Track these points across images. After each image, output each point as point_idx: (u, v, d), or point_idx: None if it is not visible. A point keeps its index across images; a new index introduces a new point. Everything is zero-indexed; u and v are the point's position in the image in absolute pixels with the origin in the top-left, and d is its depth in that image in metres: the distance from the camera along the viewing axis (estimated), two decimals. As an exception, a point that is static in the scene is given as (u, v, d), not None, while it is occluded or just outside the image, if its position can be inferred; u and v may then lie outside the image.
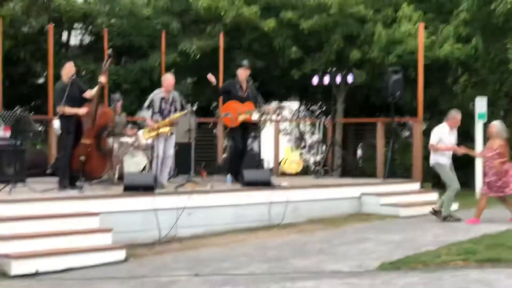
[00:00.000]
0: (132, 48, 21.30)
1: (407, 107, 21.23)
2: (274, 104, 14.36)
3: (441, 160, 13.27)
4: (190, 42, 19.40)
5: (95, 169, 12.78)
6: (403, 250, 10.28)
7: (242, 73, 14.29)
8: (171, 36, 19.95)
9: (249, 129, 14.62)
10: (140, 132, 13.27)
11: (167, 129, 12.94)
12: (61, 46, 23.28)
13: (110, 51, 12.77)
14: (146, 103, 13.10)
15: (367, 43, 18.79)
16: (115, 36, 20.46)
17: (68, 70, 12.11)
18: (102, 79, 12.30)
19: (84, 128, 12.38)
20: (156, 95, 13.08)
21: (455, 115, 13.44)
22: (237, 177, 14.09)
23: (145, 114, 13.11)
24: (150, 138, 13.03)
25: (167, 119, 12.92)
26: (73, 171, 12.39)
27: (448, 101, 19.78)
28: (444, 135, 13.27)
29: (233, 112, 14.10)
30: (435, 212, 13.33)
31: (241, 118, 14.07)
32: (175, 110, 13.13)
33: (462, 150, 13.37)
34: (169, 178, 14.28)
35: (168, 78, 13.21)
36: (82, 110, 12.15)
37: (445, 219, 13.19)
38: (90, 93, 12.22)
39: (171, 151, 13.25)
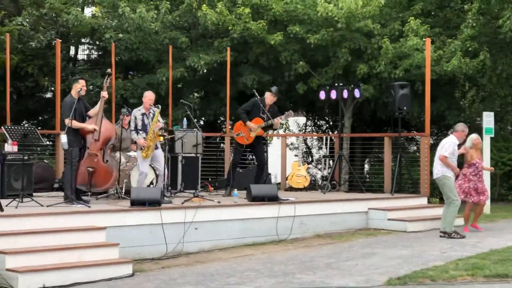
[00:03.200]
0: (139, 62, 21.35)
1: (414, 122, 21.26)
2: (282, 117, 14.34)
3: (448, 172, 13.21)
4: (198, 57, 19.43)
5: (101, 181, 12.79)
6: (410, 265, 10.26)
7: (269, 98, 14.57)
8: (179, 50, 20.00)
9: (260, 144, 14.66)
10: (138, 153, 13.26)
11: (160, 138, 13.08)
12: (69, 61, 23.39)
13: (108, 70, 12.85)
14: (132, 125, 13.21)
15: (374, 57, 18.79)
16: (122, 51, 20.52)
17: (80, 86, 12.14)
18: (104, 94, 12.35)
19: (89, 141, 12.42)
20: (137, 113, 13.22)
21: (464, 128, 13.44)
22: (230, 189, 14.46)
23: (134, 136, 13.22)
24: (148, 156, 13.06)
25: (149, 132, 13.00)
26: (80, 185, 12.42)
27: (455, 116, 19.76)
28: (455, 149, 13.24)
29: (245, 131, 14.23)
30: (445, 234, 13.28)
31: (253, 134, 14.27)
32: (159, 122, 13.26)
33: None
34: (176, 193, 14.31)
35: (147, 95, 13.39)
36: (90, 126, 12.21)
37: (450, 235, 13.13)
38: (93, 110, 12.27)
39: (161, 167, 13.28)
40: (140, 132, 13.10)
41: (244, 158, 17.23)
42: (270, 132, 16.40)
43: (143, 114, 13.21)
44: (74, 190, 12.15)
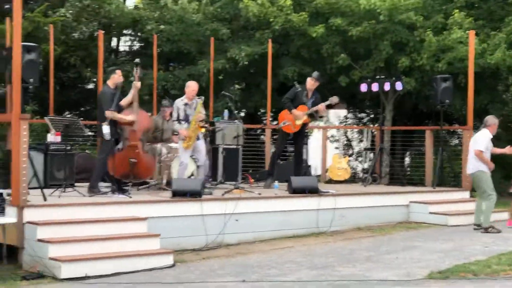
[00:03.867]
0: (180, 54, 21.40)
1: (456, 115, 21.06)
2: (327, 102, 14.27)
3: (484, 167, 13.10)
4: (239, 49, 19.44)
5: (144, 171, 12.92)
6: (451, 259, 10.20)
7: (310, 82, 14.51)
8: (220, 42, 20.02)
9: (302, 136, 14.66)
10: (180, 144, 13.29)
11: (201, 129, 13.11)
12: (111, 52, 23.51)
13: (137, 60, 12.86)
14: (174, 115, 13.20)
15: (416, 50, 18.65)
16: (164, 42, 20.58)
17: (118, 77, 12.24)
18: (138, 84, 12.39)
19: (127, 133, 12.51)
20: (179, 103, 13.20)
21: (495, 121, 13.33)
22: (271, 180, 14.58)
23: (176, 126, 13.21)
24: (189, 147, 13.06)
25: (192, 123, 13.00)
26: (121, 176, 12.52)
27: (498, 109, 19.54)
28: (490, 143, 13.13)
29: (290, 119, 14.22)
30: (478, 227, 13.20)
31: (299, 122, 14.25)
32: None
33: (509, 151, 13.40)
34: (216, 184, 14.35)
35: (191, 85, 13.32)
36: (129, 117, 12.30)
37: (486, 230, 13.03)
38: (125, 100, 12.32)
39: (202, 158, 13.30)
40: (182, 122, 13.13)
41: (285, 150, 17.20)
42: (315, 121, 16.37)
43: (185, 105, 13.22)
44: (116, 181, 12.27)
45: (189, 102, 13.21)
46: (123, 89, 12.54)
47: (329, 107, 15.03)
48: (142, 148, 12.85)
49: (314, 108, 14.24)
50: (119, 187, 12.24)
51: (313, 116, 14.65)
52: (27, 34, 18.04)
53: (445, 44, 18.03)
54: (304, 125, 14.50)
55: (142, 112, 13.01)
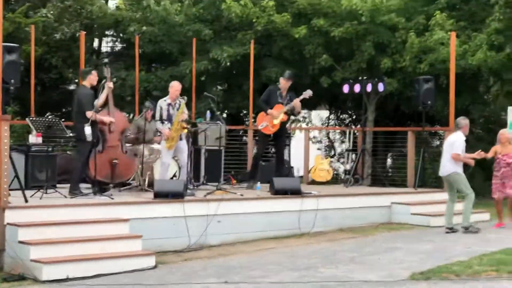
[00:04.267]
0: (163, 55, 21.37)
1: (438, 116, 21.12)
2: (300, 97, 14.29)
3: (460, 169, 13.18)
4: (221, 49, 19.42)
5: (124, 171, 12.99)
6: (434, 260, 10.21)
7: (282, 82, 14.51)
8: (202, 43, 19.99)
9: (283, 137, 14.68)
10: (162, 144, 13.31)
11: (184, 130, 13.10)
12: (92, 53, 23.42)
13: (105, 60, 12.87)
14: (157, 115, 13.22)
15: (398, 51, 18.70)
16: (146, 43, 20.53)
17: (94, 78, 12.22)
18: (110, 84, 12.37)
19: (106, 134, 12.51)
20: (163, 103, 13.24)
21: (466, 121, 13.43)
22: (253, 181, 14.49)
23: (159, 126, 13.25)
24: (172, 147, 13.08)
25: (174, 123, 13.00)
26: (103, 177, 12.50)
27: (479, 110, 19.66)
28: (464, 144, 13.23)
29: (268, 120, 14.22)
30: (451, 230, 13.25)
31: (277, 121, 14.23)
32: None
33: (478, 155, 13.56)
34: (199, 186, 14.33)
35: (174, 85, 13.39)
36: (107, 118, 12.31)
37: (467, 229, 13.09)
38: (99, 102, 12.25)
39: (185, 159, 13.30)
40: (165, 122, 13.12)
41: (267, 152, 17.22)
42: (294, 117, 16.39)
43: (168, 105, 13.23)
44: (97, 182, 12.23)
45: (172, 102, 13.22)
46: (96, 90, 12.49)
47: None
48: (121, 149, 12.87)
49: (290, 105, 14.24)
50: (100, 188, 12.20)
51: (291, 114, 14.65)
52: (8, 34, 17.94)
53: (426, 46, 18.10)
54: (283, 125, 14.46)
55: (118, 112, 13.06)
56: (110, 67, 13.14)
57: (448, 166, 13.16)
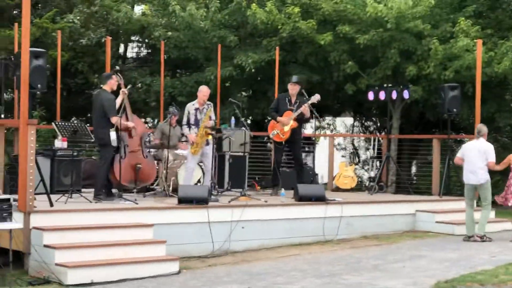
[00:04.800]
0: (188, 60, 21.43)
1: (463, 124, 21.02)
2: (308, 102, 14.26)
3: (489, 177, 13.17)
4: (246, 56, 19.44)
5: (147, 176, 13.06)
6: (458, 269, 10.16)
7: (290, 88, 14.59)
8: (227, 49, 20.02)
9: (297, 142, 14.65)
10: (189, 147, 13.35)
11: (208, 136, 13.10)
12: (118, 59, 23.55)
13: (116, 67, 13.03)
14: (185, 119, 13.24)
15: (423, 58, 18.62)
16: (171, 49, 20.60)
17: (114, 82, 12.29)
18: (125, 90, 12.45)
19: (126, 139, 12.57)
20: (191, 107, 13.26)
21: (487, 129, 13.38)
22: (277, 188, 14.59)
23: (185, 130, 13.27)
24: (196, 153, 13.09)
25: (200, 128, 13.03)
26: (127, 183, 12.57)
27: (505, 118, 19.52)
28: None
29: (278, 128, 14.27)
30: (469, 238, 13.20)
31: (287, 128, 14.26)
32: (210, 120, 13.26)
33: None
34: (223, 191, 14.35)
35: (203, 90, 13.40)
36: (131, 123, 12.40)
37: (482, 238, 13.03)
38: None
39: (209, 163, 13.31)
40: (192, 126, 13.15)
41: (290, 158, 17.19)
42: (307, 122, 16.39)
43: (196, 109, 13.25)
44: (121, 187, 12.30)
45: (200, 107, 13.24)
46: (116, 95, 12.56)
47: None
48: (142, 154, 12.94)
49: (298, 111, 14.22)
50: (109, 192, 12.31)
51: (301, 120, 14.61)
52: (35, 39, 18.10)
53: (452, 53, 18.00)
54: (295, 131, 14.44)
55: (136, 118, 13.14)
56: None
57: (482, 174, 13.08)
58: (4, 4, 20.57)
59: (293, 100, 14.44)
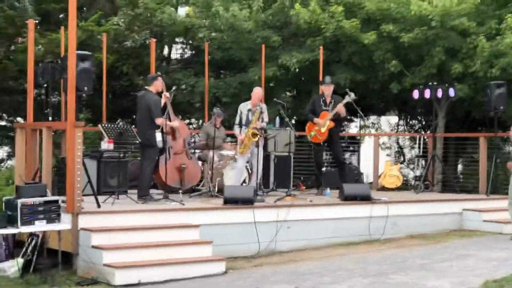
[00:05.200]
0: (231, 61, 21.48)
1: (510, 122, 20.78)
2: (343, 101, 14.27)
3: None
4: (290, 55, 19.42)
5: (193, 176, 13.16)
6: (507, 268, 10.06)
7: (323, 89, 14.81)
8: (271, 49, 20.02)
9: (336, 142, 14.65)
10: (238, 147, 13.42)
11: (256, 138, 13.10)
12: (162, 60, 23.67)
13: (158, 73, 13.26)
14: (237, 119, 13.31)
15: (469, 56, 18.43)
16: (215, 50, 20.67)
17: (159, 84, 12.40)
18: (167, 94, 12.55)
19: (171, 140, 12.67)
20: (244, 107, 13.34)
21: None
22: (322, 187, 14.52)
23: (236, 130, 13.36)
24: (244, 153, 13.15)
25: (249, 129, 13.07)
26: (171, 183, 12.65)
27: (553, 117, 19.26)
28: None
29: (315, 129, 14.32)
30: None
31: (324, 129, 14.32)
32: (262, 122, 13.30)
33: None
34: (268, 192, 14.37)
35: (257, 91, 13.48)
36: (176, 123, 12.50)
37: None
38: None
39: (256, 164, 13.34)
40: (244, 127, 13.23)
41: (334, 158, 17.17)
42: (345, 122, 16.41)
43: (249, 110, 13.33)
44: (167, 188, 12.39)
45: (252, 108, 13.32)
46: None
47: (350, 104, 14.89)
48: (187, 155, 13.04)
49: (334, 111, 14.22)
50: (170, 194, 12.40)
51: (338, 120, 14.60)
52: (81, 42, 18.24)
53: (498, 50, 17.80)
54: (332, 131, 14.46)
55: (179, 120, 13.25)
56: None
57: None
58: (51, 9, 20.80)
59: (328, 101, 14.47)
